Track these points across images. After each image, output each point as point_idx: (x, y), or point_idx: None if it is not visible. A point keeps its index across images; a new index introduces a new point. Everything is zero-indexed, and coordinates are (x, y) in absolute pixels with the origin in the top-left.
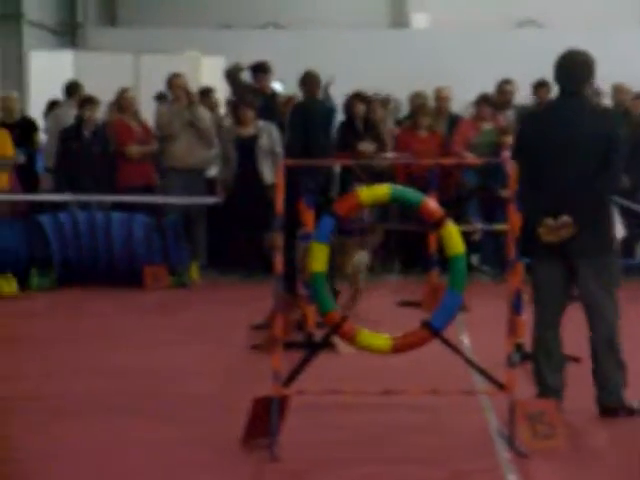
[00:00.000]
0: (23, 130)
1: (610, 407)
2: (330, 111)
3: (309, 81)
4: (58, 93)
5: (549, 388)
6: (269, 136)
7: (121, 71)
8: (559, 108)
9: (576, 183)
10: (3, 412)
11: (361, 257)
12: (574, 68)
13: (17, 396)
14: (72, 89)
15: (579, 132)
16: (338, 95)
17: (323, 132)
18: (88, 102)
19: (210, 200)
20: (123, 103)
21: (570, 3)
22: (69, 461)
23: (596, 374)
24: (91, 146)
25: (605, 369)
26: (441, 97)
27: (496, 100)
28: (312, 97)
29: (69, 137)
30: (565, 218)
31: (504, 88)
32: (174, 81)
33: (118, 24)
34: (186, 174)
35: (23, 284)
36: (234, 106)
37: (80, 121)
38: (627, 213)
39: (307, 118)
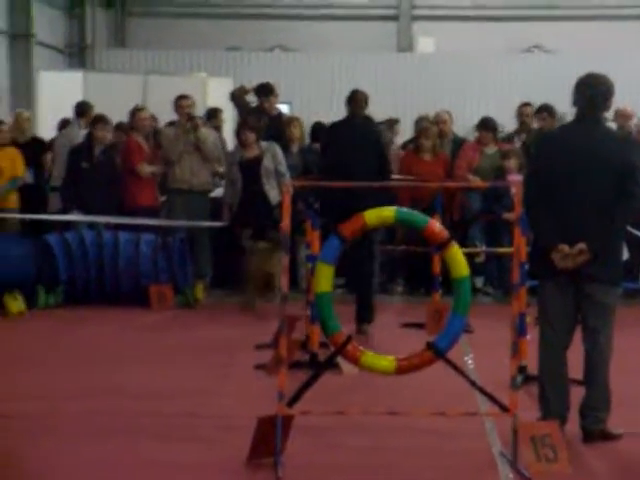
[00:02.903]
0: (33, 150)
1: (593, 433)
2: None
3: (354, 99)
4: (67, 113)
5: (553, 411)
6: (273, 157)
7: (129, 92)
8: (576, 132)
9: (592, 210)
10: (9, 430)
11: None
12: (593, 92)
13: (22, 415)
14: (82, 109)
15: (596, 158)
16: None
17: (360, 152)
18: (100, 121)
19: (215, 224)
20: (137, 122)
21: (576, 29)
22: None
23: (584, 399)
24: (100, 165)
25: (592, 395)
26: (440, 121)
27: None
28: (352, 115)
29: (79, 156)
30: (581, 246)
31: (523, 111)
32: (180, 103)
33: (127, 45)
34: (190, 196)
35: (30, 302)
36: (237, 129)
37: (91, 140)
38: (630, 237)
39: (339, 136)
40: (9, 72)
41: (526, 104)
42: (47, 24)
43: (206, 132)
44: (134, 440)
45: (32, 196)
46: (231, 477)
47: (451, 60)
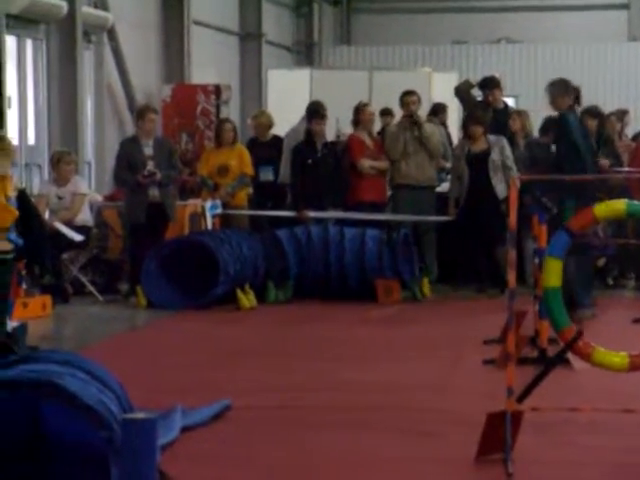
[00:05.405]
0: (274, 148)
1: None
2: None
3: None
4: (295, 111)
5: None
6: (501, 150)
7: (355, 88)
8: None
9: None
10: (246, 421)
11: None
12: None
13: (260, 407)
14: (314, 108)
15: None
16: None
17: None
18: (316, 115)
19: (441, 219)
20: (361, 117)
21: None
22: (308, 474)
23: None
24: (324, 160)
25: None
26: None
27: None
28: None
29: (303, 153)
30: None
31: None
32: (405, 99)
33: (352, 42)
34: (416, 191)
35: (260, 297)
36: (464, 123)
37: (310, 135)
38: None
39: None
40: (240, 71)
41: None
42: (275, 23)
43: (430, 128)
44: (365, 434)
45: (272, 193)
46: (461, 472)
47: None
